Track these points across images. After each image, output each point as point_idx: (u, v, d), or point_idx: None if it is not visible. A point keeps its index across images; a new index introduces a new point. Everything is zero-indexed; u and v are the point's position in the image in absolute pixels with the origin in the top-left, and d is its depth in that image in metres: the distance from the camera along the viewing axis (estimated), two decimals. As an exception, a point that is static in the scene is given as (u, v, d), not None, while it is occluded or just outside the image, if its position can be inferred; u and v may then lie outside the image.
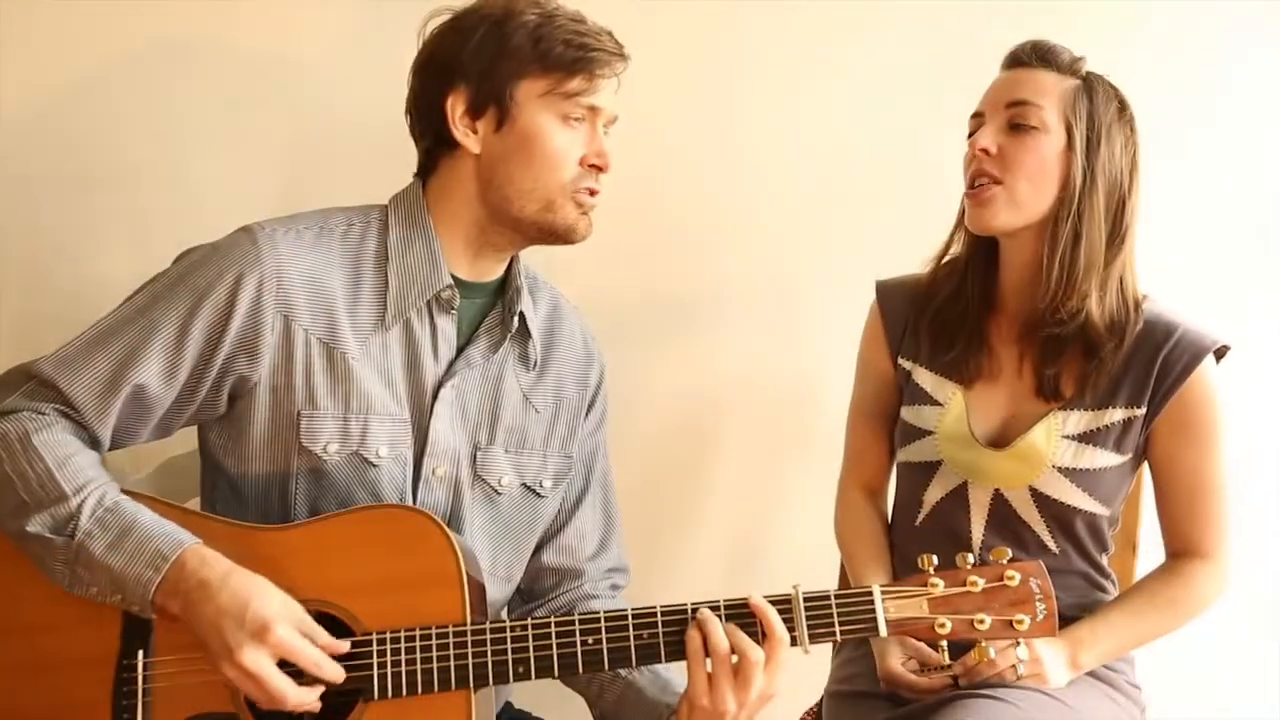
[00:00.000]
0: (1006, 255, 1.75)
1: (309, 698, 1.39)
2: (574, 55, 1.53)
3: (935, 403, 1.78)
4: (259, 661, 1.36)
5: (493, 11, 1.56)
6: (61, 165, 2.06)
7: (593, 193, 1.58)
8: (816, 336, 2.20)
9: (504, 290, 1.65)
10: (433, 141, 1.59)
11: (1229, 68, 2.19)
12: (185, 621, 1.39)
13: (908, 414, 1.81)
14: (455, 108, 1.55)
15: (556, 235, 1.58)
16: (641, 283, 2.20)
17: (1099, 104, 1.68)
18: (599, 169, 1.58)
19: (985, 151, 1.68)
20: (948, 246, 1.82)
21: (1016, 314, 1.75)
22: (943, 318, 1.79)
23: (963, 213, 1.75)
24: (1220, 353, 1.71)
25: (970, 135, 1.73)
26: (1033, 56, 1.71)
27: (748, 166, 2.19)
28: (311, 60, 2.09)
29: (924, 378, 1.81)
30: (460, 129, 1.56)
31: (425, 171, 1.62)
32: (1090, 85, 1.69)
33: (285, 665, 1.38)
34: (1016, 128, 1.68)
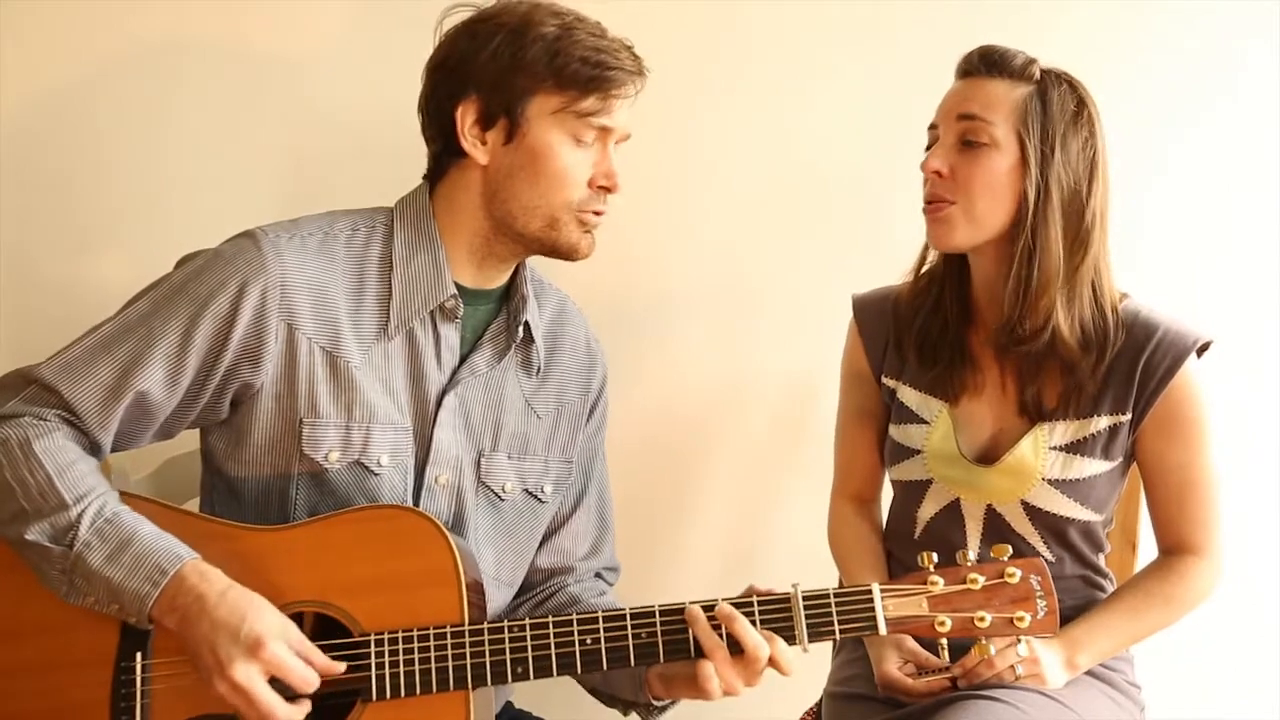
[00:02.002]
0: (975, 268, 1.74)
1: (297, 716, 1.38)
2: (590, 74, 1.50)
3: (921, 421, 1.77)
4: (250, 676, 1.35)
5: (510, 20, 1.52)
6: (59, 165, 2.06)
7: (599, 213, 1.57)
8: (813, 337, 2.19)
9: (509, 297, 1.65)
10: (442, 147, 1.58)
11: (1228, 67, 2.19)
12: (180, 636, 1.39)
13: (895, 433, 1.81)
14: (465, 117, 1.53)
15: (559, 252, 1.57)
16: (637, 283, 2.20)
17: (1053, 110, 1.64)
18: (607, 190, 1.56)
19: (937, 173, 1.66)
20: (924, 257, 1.80)
21: (993, 327, 1.72)
22: (924, 333, 1.77)
23: None
24: (1202, 348, 1.69)
25: (928, 147, 1.71)
26: (981, 65, 1.67)
27: (745, 167, 2.19)
28: (312, 60, 2.09)
29: (909, 396, 1.80)
30: (469, 139, 1.54)
31: (433, 175, 1.61)
32: (1044, 90, 1.65)
33: (276, 683, 1.38)
34: (968, 144, 1.65)
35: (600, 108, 1.52)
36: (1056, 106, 1.64)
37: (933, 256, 1.79)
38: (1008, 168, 1.63)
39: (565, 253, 1.57)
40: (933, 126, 1.71)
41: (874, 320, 1.85)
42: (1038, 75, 1.65)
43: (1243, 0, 2.17)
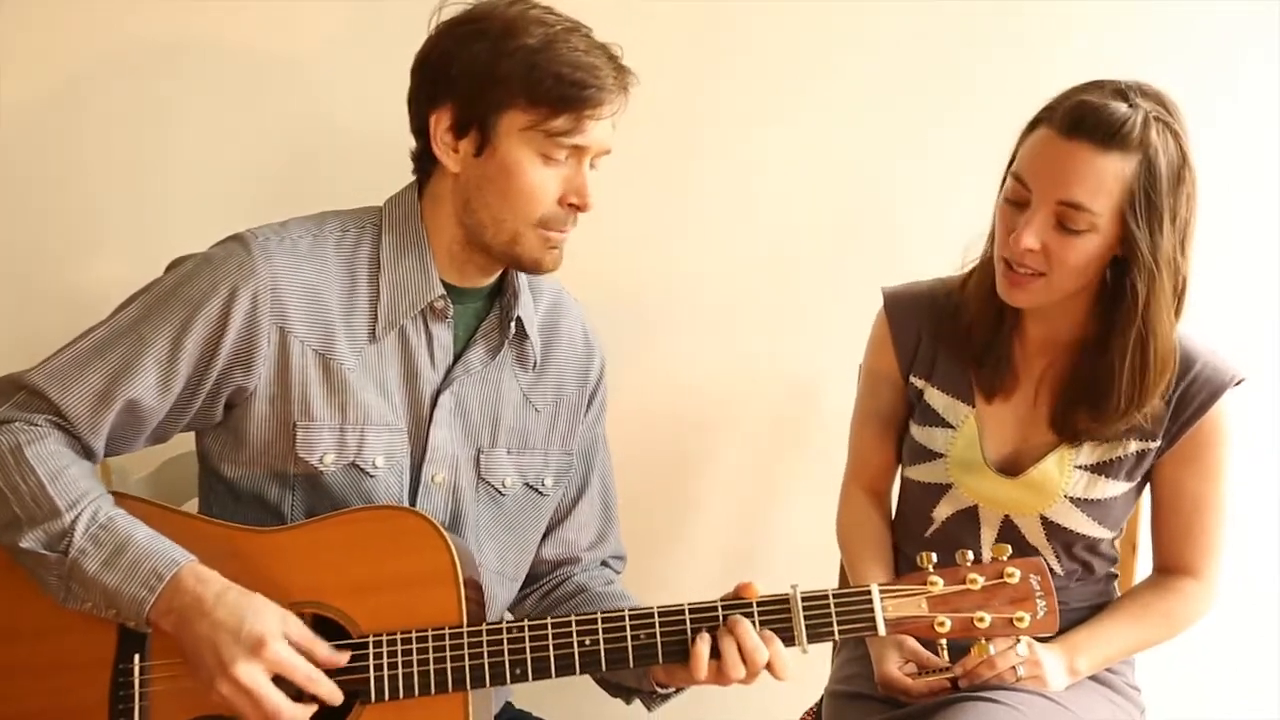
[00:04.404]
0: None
1: (303, 716, 1.38)
2: (563, 93, 1.46)
3: (947, 425, 1.75)
4: (254, 676, 1.35)
5: (495, 26, 1.48)
6: (53, 166, 2.06)
7: (563, 231, 1.54)
8: (815, 336, 2.20)
9: (500, 293, 1.64)
10: (422, 148, 1.57)
11: (1228, 67, 2.18)
12: (178, 639, 1.38)
13: (918, 434, 1.78)
14: (439, 123, 1.51)
15: (522, 266, 1.56)
16: (641, 282, 2.19)
17: (1162, 182, 1.52)
18: (577, 209, 1.53)
19: (1029, 249, 1.56)
20: (988, 251, 1.71)
21: (1041, 343, 1.70)
22: (977, 326, 1.71)
23: (994, 224, 1.65)
24: (1236, 384, 1.67)
25: (1009, 201, 1.59)
26: (1096, 134, 1.51)
27: (749, 167, 2.18)
28: (306, 61, 2.09)
29: (935, 398, 1.76)
30: (441, 146, 1.52)
31: (421, 172, 1.60)
32: (1152, 158, 1.52)
33: (280, 682, 1.37)
34: (1064, 228, 1.55)
35: (571, 128, 1.49)
36: (1164, 174, 1.53)
37: (983, 244, 1.72)
38: (1104, 246, 1.56)
39: (528, 267, 1.55)
40: (1019, 179, 1.58)
41: (907, 315, 1.79)
42: (1150, 140, 1.52)
43: (1243, 0, 2.16)
